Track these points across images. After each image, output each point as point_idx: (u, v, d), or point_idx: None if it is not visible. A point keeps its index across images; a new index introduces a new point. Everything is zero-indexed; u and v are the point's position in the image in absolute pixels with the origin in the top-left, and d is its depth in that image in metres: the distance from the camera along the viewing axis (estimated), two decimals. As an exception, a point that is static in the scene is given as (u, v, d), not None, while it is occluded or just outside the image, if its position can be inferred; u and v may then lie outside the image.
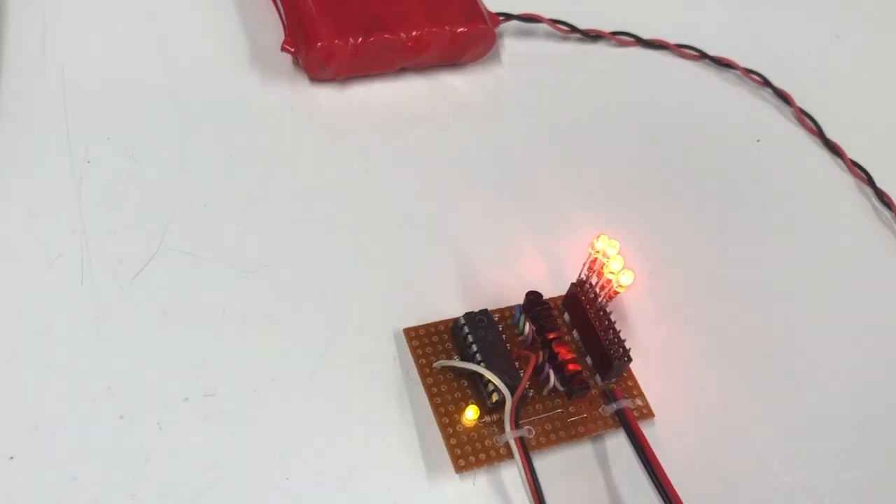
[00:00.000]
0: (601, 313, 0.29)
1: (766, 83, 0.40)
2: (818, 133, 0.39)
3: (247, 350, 0.27)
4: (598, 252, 0.28)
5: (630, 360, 0.28)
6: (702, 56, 0.40)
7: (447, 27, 0.34)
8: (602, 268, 0.28)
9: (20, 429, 0.24)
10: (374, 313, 0.29)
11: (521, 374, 0.27)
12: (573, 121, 0.37)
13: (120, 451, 0.25)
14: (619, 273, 0.27)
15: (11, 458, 0.24)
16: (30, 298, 0.27)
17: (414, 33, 0.34)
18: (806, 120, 0.39)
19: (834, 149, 0.39)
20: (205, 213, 0.30)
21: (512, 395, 0.27)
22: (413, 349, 0.28)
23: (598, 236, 0.28)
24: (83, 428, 0.25)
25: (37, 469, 0.24)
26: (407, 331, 0.29)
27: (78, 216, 0.29)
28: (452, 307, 0.30)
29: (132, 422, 0.25)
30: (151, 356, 0.26)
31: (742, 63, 0.40)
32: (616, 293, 0.28)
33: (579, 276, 0.29)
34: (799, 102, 0.39)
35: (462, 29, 0.34)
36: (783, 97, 0.40)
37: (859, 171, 0.38)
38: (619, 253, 0.28)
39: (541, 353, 0.28)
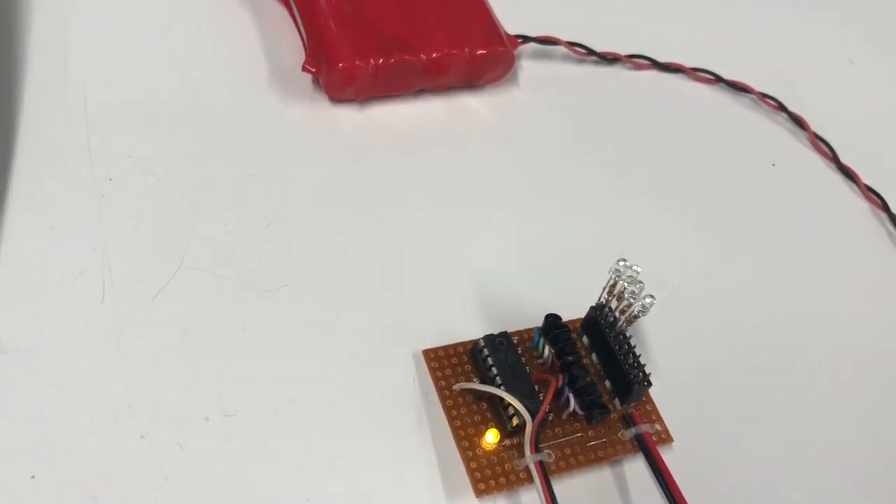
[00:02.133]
0: (621, 337, 0.29)
1: (782, 108, 0.40)
2: (833, 158, 0.39)
3: (267, 370, 0.27)
4: (619, 276, 0.28)
5: (650, 384, 0.28)
6: (717, 80, 0.40)
7: (467, 49, 0.34)
8: (623, 292, 0.28)
9: (41, 448, 0.24)
10: (392, 335, 0.29)
11: (541, 398, 0.27)
12: (589, 143, 0.37)
13: (141, 470, 0.25)
14: (641, 298, 0.27)
15: (33, 476, 0.24)
16: (51, 316, 0.27)
17: (434, 55, 0.34)
18: (820, 145, 0.39)
19: (848, 174, 0.39)
20: (225, 233, 0.30)
21: (532, 419, 0.27)
22: (432, 371, 0.28)
23: (620, 260, 0.28)
24: (104, 447, 0.25)
25: (57, 488, 0.24)
26: (426, 352, 0.29)
27: (99, 234, 0.29)
28: (471, 329, 0.30)
29: (153, 441, 0.25)
30: (172, 375, 0.26)
31: (757, 87, 0.40)
32: (636, 318, 0.28)
33: (599, 299, 0.29)
34: (814, 127, 0.40)
35: (482, 51, 0.35)
36: (798, 122, 0.40)
37: (874, 196, 0.38)
38: (640, 278, 0.28)
39: (560, 376, 0.28)
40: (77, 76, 0.32)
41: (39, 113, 0.31)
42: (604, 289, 0.29)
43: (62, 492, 0.24)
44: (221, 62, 0.35)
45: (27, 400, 0.25)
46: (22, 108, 0.31)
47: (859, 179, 0.38)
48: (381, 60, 0.33)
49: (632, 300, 0.28)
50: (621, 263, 0.28)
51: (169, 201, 0.30)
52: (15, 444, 0.24)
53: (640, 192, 0.36)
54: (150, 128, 0.32)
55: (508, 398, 0.27)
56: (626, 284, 0.28)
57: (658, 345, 0.31)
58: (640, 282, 0.27)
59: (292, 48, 0.36)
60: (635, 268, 0.28)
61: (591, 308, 0.30)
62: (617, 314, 0.29)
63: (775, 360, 0.32)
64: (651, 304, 0.27)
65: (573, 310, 0.31)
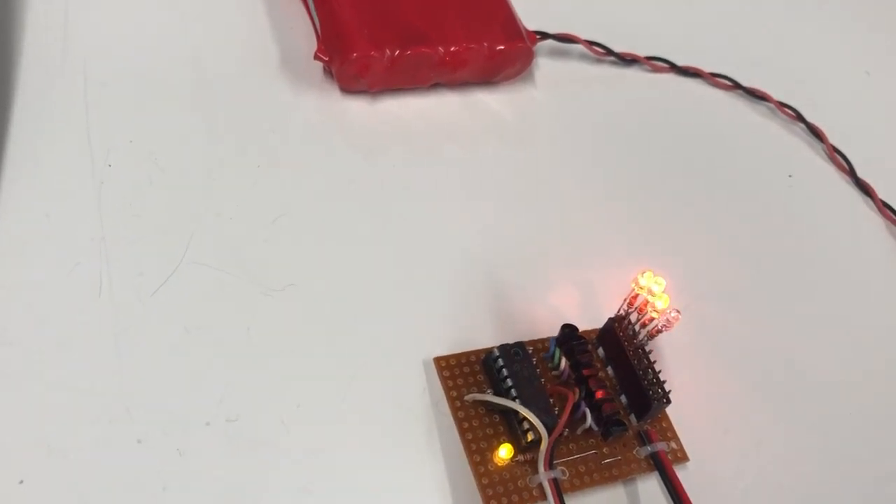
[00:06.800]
0: (640, 351, 0.28)
1: (800, 117, 0.39)
2: (849, 171, 0.38)
3: (271, 373, 0.26)
4: (641, 289, 0.27)
5: (669, 402, 0.27)
6: (735, 86, 0.39)
7: (486, 44, 0.33)
8: (645, 305, 0.27)
9: (31, 451, 0.23)
10: (403, 339, 0.28)
11: (557, 413, 0.26)
12: (605, 146, 0.36)
13: (137, 477, 0.23)
14: (666, 312, 0.26)
15: (21, 482, 0.22)
16: (46, 309, 0.25)
17: (452, 48, 0.32)
18: (838, 158, 0.39)
19: (864, 188, 0.38)
20: (230, 226, 0.28)
21: (549, 434, 0.25)
22: (443, 380, 0.27)
23: (644, 272, 0.27)
24: (98, 451, 0.23)
25: (48, 496, 0.22)
26: (437, 360, 0.28)
27: (98, 223, 0.27)
28: (483, 336, 0.29)
29: (151, 447, 0.24)
30: (172, 376, 0.25)
31: (775, 96, 0.39)
32: (659, 332, 0.27)
33: (618, 311, 0.28)
34: (831, 139, 0.39)
35: (501, 46, 0.33)
36: (816, 133, 0.39)
37: (889, 212, 0.37)
38: (665, 291, 0.27)
39: (577, 390, 0.27)
40: (76, 54, 0.31)
41: (36, 91, 0.29)
42: (624, 300, 0.28)
43: (52, 499, 0.22)
44: (229, 46, 0.33)
45: (17, 398, 0.24)
46: (17, 83, 0.29)
47: (875, 194, 0.38)
48: (397, 52, 0.32)
49: (654, 314, 0.27)
50: (645, 276, 0.27)
51: (171, 190, 0.29)
52: (2, 445, 0.23)
53: (655, 199, 0.35)
54: (153, 112, 0.30)
55: (525, 412, 0.26)
56: (648, 297, 0.27)
57: (672, 358, 0.30)
58: (665, 295, 0.26)
59: (303, 35, 0.34)
60: (659, 280, 0.27)
61: (610, 319, 0.28)
62: (637, 328, 0.28)
63: (792, 378, 0.31)
64: (676, 319, 0.26)
65: (588, 320, 0.30)
